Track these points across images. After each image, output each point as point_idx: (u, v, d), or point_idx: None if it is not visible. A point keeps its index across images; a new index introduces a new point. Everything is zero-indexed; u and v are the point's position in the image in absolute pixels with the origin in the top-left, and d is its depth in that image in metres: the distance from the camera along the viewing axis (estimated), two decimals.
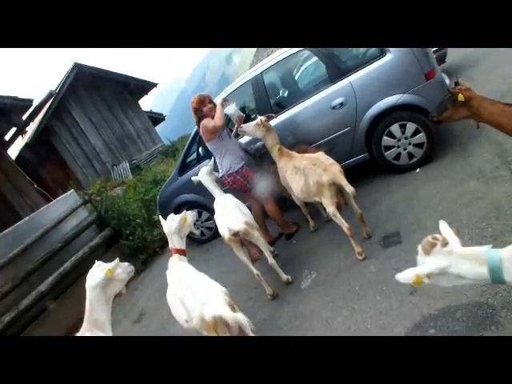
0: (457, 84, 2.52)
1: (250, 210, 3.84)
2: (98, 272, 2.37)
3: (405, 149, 4.00)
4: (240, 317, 2.19)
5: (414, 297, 2.46)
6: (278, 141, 3.80)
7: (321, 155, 3.42)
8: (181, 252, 2.99)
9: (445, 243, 1.51)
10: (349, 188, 3.03)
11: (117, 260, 2.50)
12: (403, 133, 3.94)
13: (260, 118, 3.74)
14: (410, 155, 4.03)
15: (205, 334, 2.33)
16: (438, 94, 3.60)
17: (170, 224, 3.03)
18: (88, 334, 2.17)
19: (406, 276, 1.53)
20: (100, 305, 2.34)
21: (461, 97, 2.47)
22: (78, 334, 2.22)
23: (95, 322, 2.26)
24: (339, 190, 3.19)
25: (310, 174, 3.26)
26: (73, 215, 6.13)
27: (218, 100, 3.86)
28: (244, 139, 4.47)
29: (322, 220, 4.12)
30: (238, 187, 3.99)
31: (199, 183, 4.02)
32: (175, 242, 3.02)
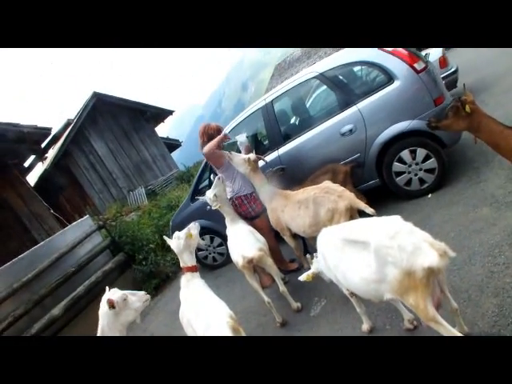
0: (460, 98, 2.55)
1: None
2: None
3: (416, 174, 3.99)
4: None
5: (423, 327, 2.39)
6: (267, 181, 3.72)
7: (329, 183, 3.36)
8: (193, 269, 2.98)
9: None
10: (369, 210, 2.91)
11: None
12: (414, 158, 3.94)
13: (250, 156, 3.64)
14: (422, 181, 4.01)
15: None
16: None
17: (178, 242, 3.03)
18: None
19: (302, 277, 2.73)
20: (112, 333, 2.28)
21: (468, 107, 2.48)
22: None
23: None
24: (351, 217, 3.10)
25: (323, 203, 3.17)
26: (87, 240, 6.23)
27: (221, 134, 3.88)
28: None
29: None
30: (242, 212, 3.93)
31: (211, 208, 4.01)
32: (186, 259, 3.01)
